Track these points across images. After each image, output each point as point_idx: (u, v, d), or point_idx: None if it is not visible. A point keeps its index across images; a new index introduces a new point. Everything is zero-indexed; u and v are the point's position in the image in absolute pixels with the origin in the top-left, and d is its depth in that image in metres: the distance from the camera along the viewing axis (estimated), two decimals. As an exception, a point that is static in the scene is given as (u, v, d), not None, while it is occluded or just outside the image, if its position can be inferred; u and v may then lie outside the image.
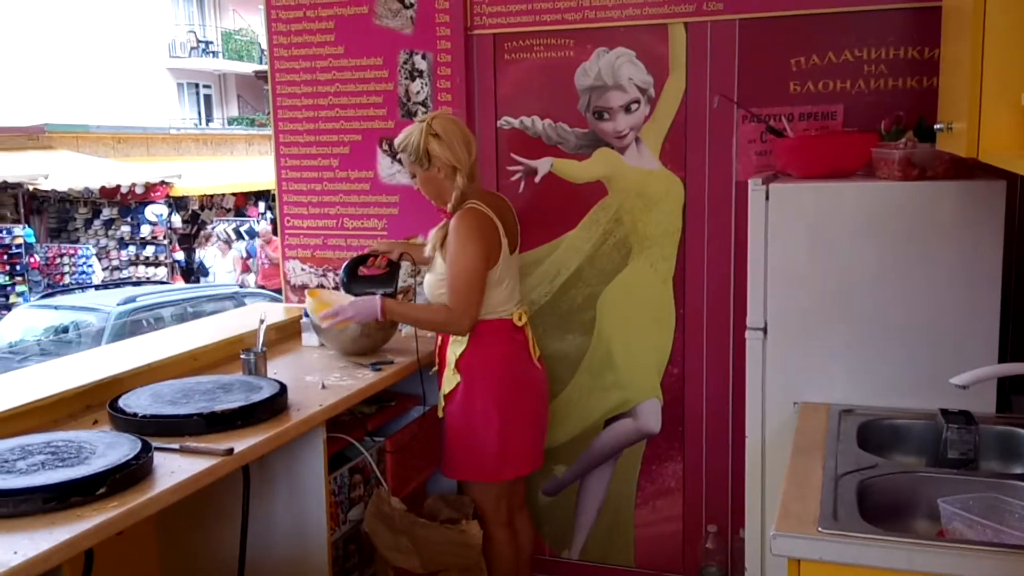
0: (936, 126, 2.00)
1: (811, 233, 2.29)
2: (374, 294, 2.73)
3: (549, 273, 3.07)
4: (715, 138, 2.83)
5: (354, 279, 2.84)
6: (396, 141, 2.66)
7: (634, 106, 2.91)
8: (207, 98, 22.69)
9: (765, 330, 2.35)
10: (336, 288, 3.19)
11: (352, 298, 2.75)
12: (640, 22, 2.85)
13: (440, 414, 2.74)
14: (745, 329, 2.38)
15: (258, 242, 13.20)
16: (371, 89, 3.15)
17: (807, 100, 2.72)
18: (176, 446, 2.02)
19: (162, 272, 14.36)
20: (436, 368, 2.79)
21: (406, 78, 3.09)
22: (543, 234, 3.05)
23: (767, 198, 2.31)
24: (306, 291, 2.88)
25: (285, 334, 3.13)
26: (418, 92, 3.09)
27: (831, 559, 1.54)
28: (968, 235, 2.16)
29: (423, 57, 3.06)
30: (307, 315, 3.01)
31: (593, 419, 3.11)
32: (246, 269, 13.25)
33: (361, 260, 2.87)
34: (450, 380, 2.68)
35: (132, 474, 1.81)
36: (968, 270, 2.18)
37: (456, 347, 2.66)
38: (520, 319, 2.70)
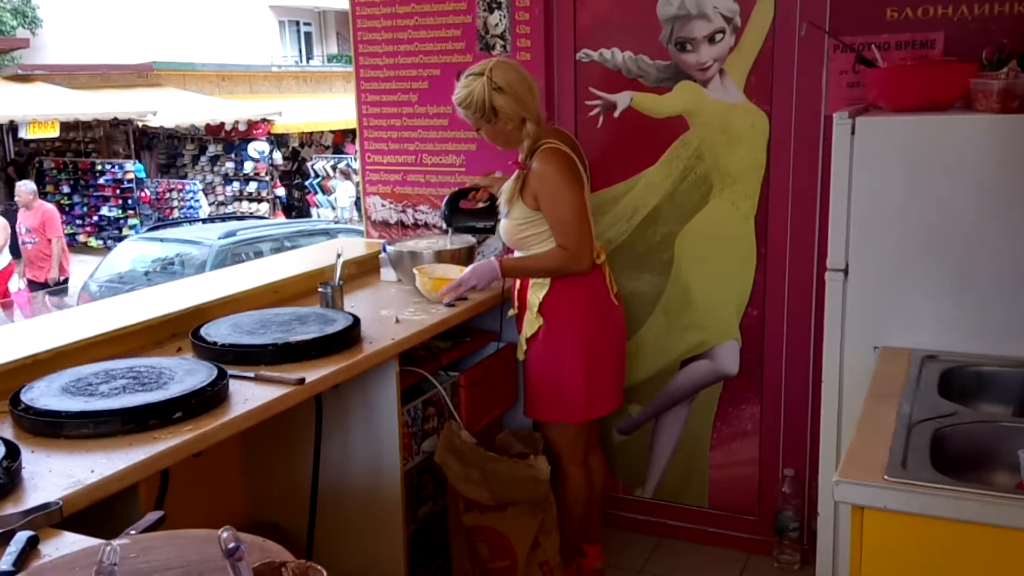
0: (1041, 54, 1.85)
1: (900, 169, 2.16)
2: (474, 228, 2.88)
3: (627, 211, 3.01)
4: (804, 70, 2.69)
5: (455, 212, 2.88)
6: (456, 97, 2.55)
7: (719, 36, 2.79)
8: (307, 35, 22.97)
9: (846, 271, 2.26)
10: (432, 226, 3.23)
11: (458, 268, 2.77)
12: (727, -53, 2.71)
13: (520, 356, 2.73)
14: (828, 270, 2.29)
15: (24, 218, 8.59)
16: (449, 22, 3.10)
17: (904, 27, 2.55)
18: (251, 375, 2.08)
19: (264, 208, 14.79)
20: (515, 311, 2.78)
21: (484, 10, 3.04)
22: (621, 171, 2.99)
23: (853, 132, 2.19)
24: (414, 270, 2.79)
25: (365, 268, 3.18)
26: (496, 24, 3.03)
27: (896, 508, 1.49)
28: (1073, 172, 2.01)
29: (502, -12, 3.00)
30: (385, 250, 3.04)
31: (669, 359, 3.07)
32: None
33: (462, 194, 2.89)
34: (532, 323, 2.65)
35: (207, 400, 1.88)
36: (1071, 210, 2.03)
37: (538, 290, 2.63)
38: (599, 257, 2.66)
